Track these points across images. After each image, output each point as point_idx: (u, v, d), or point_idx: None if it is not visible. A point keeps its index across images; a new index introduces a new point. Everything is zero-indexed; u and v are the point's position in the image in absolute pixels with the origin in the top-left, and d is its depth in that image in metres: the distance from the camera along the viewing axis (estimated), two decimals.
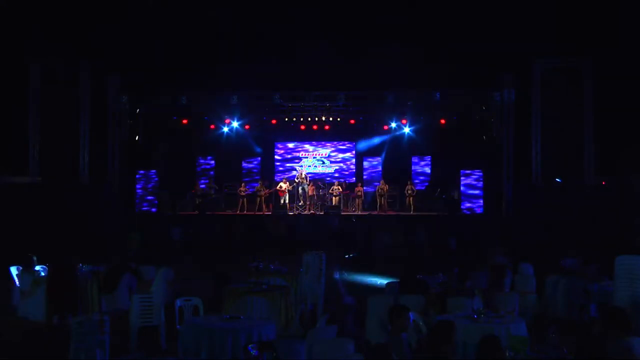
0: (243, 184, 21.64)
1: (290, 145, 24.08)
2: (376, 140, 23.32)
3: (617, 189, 17.70)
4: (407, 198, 21.29)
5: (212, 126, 22.99)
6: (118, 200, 19.74)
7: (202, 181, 22.60)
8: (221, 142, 23.10)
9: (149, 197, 21.19)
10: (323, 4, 18.02)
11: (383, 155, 23.34)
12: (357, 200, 21.64)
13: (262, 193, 21.21)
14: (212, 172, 23.11)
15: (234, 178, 22.45)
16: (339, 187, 21.67)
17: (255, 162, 23.64)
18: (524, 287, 9.76)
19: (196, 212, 20.75)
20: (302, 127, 23.31)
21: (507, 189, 19.73)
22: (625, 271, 8.19)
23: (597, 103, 18.57)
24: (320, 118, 22.77)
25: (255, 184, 22.11)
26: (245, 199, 21.24)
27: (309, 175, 22.43)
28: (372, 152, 23.53)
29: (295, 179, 21.86)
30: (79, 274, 9.58)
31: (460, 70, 18.99)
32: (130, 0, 18.11)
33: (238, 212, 21.00)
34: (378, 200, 21.55)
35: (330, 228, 18.20)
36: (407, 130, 22.76)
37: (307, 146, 24.06)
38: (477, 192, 20.70)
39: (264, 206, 21.19)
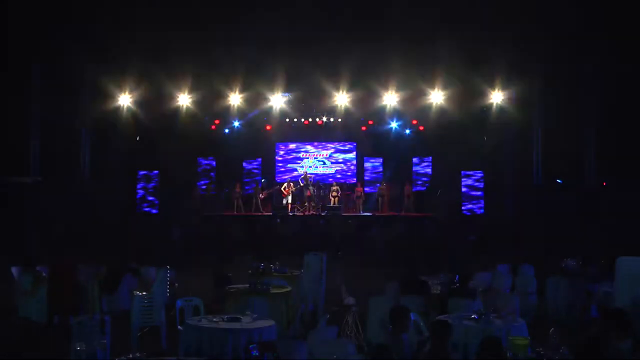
0: (237, 185, 21.75)
1: (292, 145, 24.08)
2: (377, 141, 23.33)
3: (618, 190, 17.69)
4: (407, 199, 21.30)
5: (213, 127, 23.01)
6: (118, 201, 19.75)
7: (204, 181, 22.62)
8: (222, 142, 23.11)
9: (150, 198, 21.20)
10: (325, 6, 18.02)
11: (384, 156, 23.33)
12: (357, 200, 21.66)
13: (260, 195, 21.31)
14: (213, 172, 23.13)
15: (234, 178, 22.46)
16: (337, 188, 21.69)
17: (256, 163, 23.63)
18: (524, 288, 9.77)
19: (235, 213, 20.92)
20: (303, 127, 23.32)
21: (508, 189, 19.73)
22: (626, 272, 8.19)
23: (598, 103, 18.58)
24: (321, 118, 22.78)
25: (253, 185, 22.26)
26: (240, 200, 21.35)
27: (311, 175, 22.44)
28: (373, 152, 23.52)
29: (300, 180, 21.90)
30: (79, 274, 9.58)
31: (461, 70, 18.99)
32: (131, 1, 18.12)
33: (235, 212, 21.04)
34: (379, 200, 21.56)
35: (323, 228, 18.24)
36: (407, 130, 22.78)
37: (308, 147, 24.06)
38: (478, 192, 20.70)
39: (261, 207, 21.23)
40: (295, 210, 21.19)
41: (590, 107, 18.77)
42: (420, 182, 22.68)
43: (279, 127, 23.16)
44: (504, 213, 19.56)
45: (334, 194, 21.50)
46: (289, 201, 21.30)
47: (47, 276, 9.51)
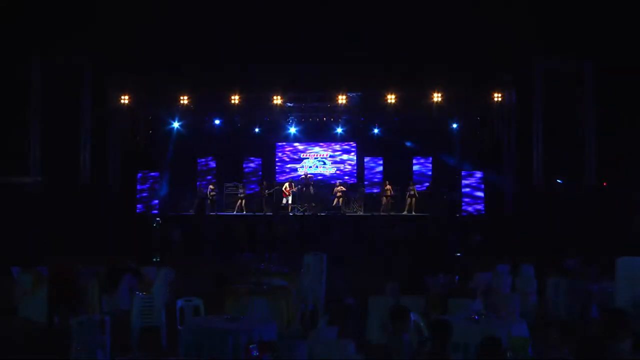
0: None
1: (291, 145, 24.07)
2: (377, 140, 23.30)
3: (618, 190, 17.69)
4: (409, 199, 21.27)
5: (213, 126, 23.00)
6: (118, 201, 19.74)
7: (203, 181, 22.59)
8: (222, 142, 23.09)
9: (150, 198, 21.20)
10: (324, 5, 18.03)
11: (384, 156, 23.31)
12: (358, 200, 21.66)
13: (264, 193, 21.31)
14: (213, 172, 23.11)
15: (234, 178, 22.46)
16: (342, 187, 21.66)
17: (256, 163, 23.61)
18: (525, 288, 9.76)
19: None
20: (303, 127, 23.32)
21: (508, 189, 19.72)
22: (626, 272, 8.20)
23: (598, 103, 18.57)
24: (321, 118, 22.77)
25: (254, 185, 22.24)
26: (244, 200, 21.33)
27: (311, 175, 22.44)
28: (374, 152, 23.51)
29: (301, 180, 21.90)
30: (79, 274, 9.57)
31: (462, 71, 18.98)
32: (132, 1, 18.12)
33: (235, 212, 21.04)
34: (382, 200, 21.54)
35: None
36: (408, 130, 22.75)
37: (308, 147, 24.05)
38: (478, 192, 20.69)
39: (264, 207, 21.21)
40: (296, 210, 21.17)
41: (590, 106, 18.75)
42: (414, 181, 22.67)
43: (279, 127, 23.16)
44: (504, 213, 19.56)
45: (339, 194, 21.46)
46: (289, 201, 21.29)
47: (47, 276, 9.50)
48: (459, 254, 15.75)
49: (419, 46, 18.23)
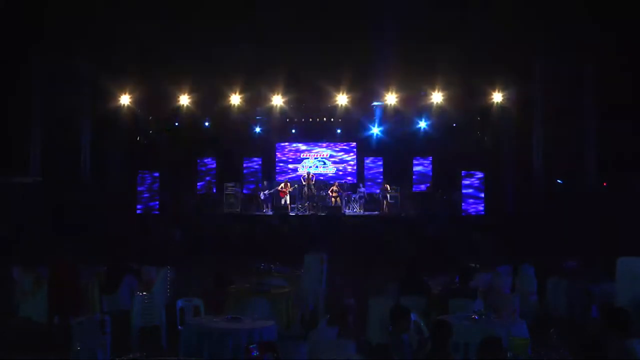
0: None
1: (291, 145, 24.07)
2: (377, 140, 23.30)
3: (619, 190, 17.69)
4: (406, 199, 21.28)
5: (213, 127, 23.01)
6: (119, 201, 19.74)
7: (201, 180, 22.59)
8: (222, 142, 23.10)
9: (150, 198, 21.20)
10: (325, 5, 18.04)
11: (384, 156, 23.30)
12: (358, 200, 21.66)
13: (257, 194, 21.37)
14: (213, 172, 23.12)
15: (234, 178, 22.46)
16: (339, 188, 21.64)
17: (256, 163, 23.61)
18: (525, 288, 9.75)
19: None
20: (303, 127, 23.32)
21: (508, 190, 19.71)
22: (626, 272, 8.19)
23: (599, 103, 18.57)
24: (321, 118, 22.76)
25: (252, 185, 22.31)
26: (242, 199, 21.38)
27: (313, 174, 22.43)
28: (374, 152, 23.50)
29: (302, 179, 21.89)
30: (79, 274, 9.56)
31: (461, 71, 18.98)
32: (133, 2, 18.13)
33: (235, 211, 21.05)
34: (381, 201, 21.52)
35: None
36: (408, 131, 22.75)
37: (307, 147, 24.05)
38: (478, 193, 20.68)
39: (263, 207, 21.22)
40: (296, 210, 21.17)
41: (590, 107, 18.74)
42: (416, 181, 22.68)
43: (279, 127, 23.15)
44: (504, 213, 19.54)
45: (334, 194, 21.45)
46: (288, 201, 21.28)
47: (47, 276, 9.50)
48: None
49: (419, 46, 18.23)
